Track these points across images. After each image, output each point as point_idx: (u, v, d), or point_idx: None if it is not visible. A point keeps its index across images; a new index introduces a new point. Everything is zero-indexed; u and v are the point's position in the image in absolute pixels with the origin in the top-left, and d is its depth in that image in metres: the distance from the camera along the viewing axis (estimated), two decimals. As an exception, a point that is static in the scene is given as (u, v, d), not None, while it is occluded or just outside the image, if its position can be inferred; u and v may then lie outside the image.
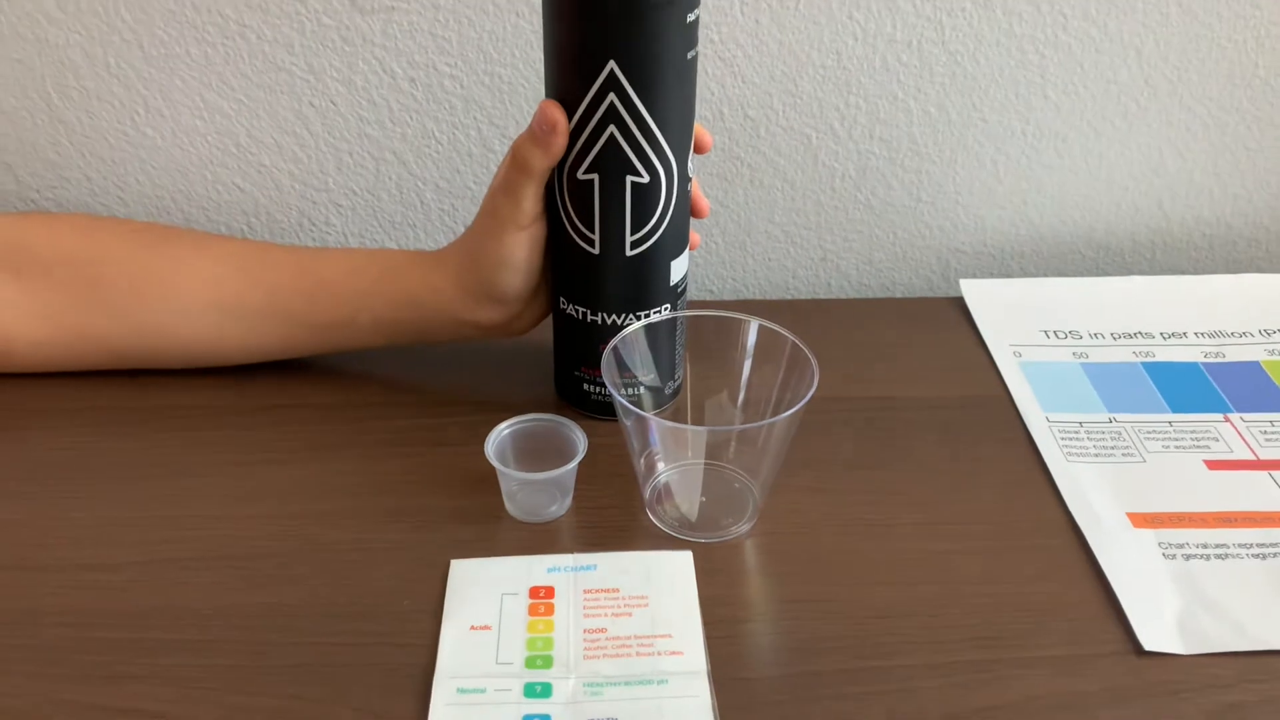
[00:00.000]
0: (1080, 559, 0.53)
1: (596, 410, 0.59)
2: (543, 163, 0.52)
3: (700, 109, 0.70)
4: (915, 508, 0.55)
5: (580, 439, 0.53)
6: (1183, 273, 0.77)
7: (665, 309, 0.57)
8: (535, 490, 0.53)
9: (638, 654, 0.47)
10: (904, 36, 0.68)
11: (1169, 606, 0.50)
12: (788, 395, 0.52)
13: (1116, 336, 0.69)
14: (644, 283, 0.56)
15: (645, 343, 0.55)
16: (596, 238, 0.53)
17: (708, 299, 0.77)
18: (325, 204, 0.72)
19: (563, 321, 0.58)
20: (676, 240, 0.55)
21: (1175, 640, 0.48)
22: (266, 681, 0.45)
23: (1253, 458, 0.59)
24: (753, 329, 0.54)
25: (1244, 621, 0.49)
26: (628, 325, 0.55)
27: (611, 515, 0.54)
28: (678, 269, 0.56)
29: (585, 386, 0.59)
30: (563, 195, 0.54)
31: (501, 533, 0.53)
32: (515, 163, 0.52)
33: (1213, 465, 0.59)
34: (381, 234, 0.73)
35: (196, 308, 0.58)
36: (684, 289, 0.58)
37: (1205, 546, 0.53)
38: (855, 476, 0.57)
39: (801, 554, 0.52)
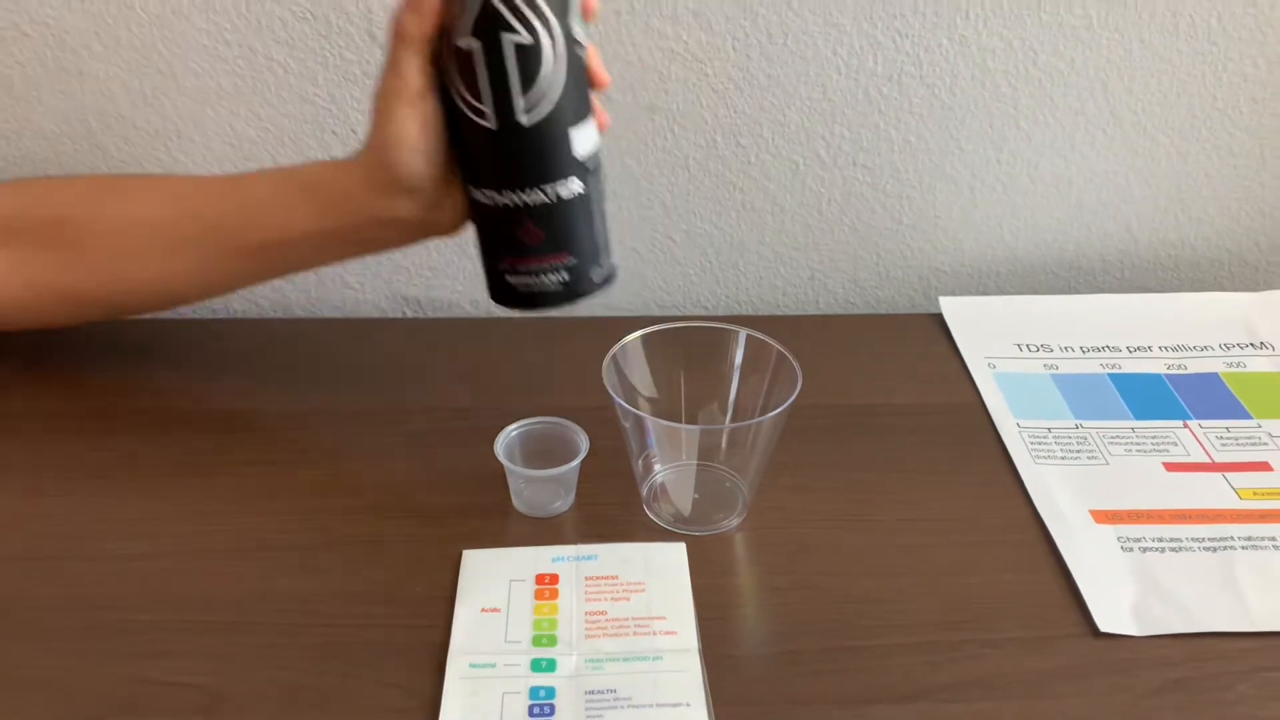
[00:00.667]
0: (1045, 552, 0.57)
1: (527, 304, 0.56)
2: (418, 27, 0.50)
3: (694, 137, 0.75)
4: (893, 505, 0.60)
5: (583, 440, 0.58)
6: (1149, 291, 0.81)
7: (573, 182, 0.54)
8: (541, 487, 0.58)
9: (635, 633, 0.51)
10: (885, 71, 0.73)
11: (1125, 593, 0.54)
12: (773, 401, 0.56)
13: (1085, 350, 0.74)
14: (546, 154, 0.53)
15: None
16: (489, 109, 0.51)
17: (702, 314, 0.81)
18: (344, 225, 0.77)
19: (478, 214, 0.56)
20: (575, 106, 0.53)
21: (1129, 623, 0.52)
22: (297, 658, 0.49)
23: (1208, 460, 0.64)
24: (741, 339, 0.59)
25: (1192, 607, 0.53)
26: (535, 199, 0.53)
27: (611, 510, 0.58)
28: (582, 139, 0.54)
29: (509, 279, 0.56)
30: (450, 71, 0.52)
31: (510, 526, 0.57)
32: (394, 33, 0.51)
33: (1171, 467, 0.63)
34: (399, 256, 0.77)
35: (143, 249, 0.59)
36: (596, 166, 0.55)
37: (1161, 540, 0.58)
38: (837, 477, 0.62)
39: (786, 546, 0.57)
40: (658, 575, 0.54)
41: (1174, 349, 0.74)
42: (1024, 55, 0.73)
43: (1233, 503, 0.60)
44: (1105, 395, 0.69)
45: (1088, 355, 0.73)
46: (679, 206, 0.77)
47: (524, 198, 0.53)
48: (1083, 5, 0.72)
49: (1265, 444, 0.65)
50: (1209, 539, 0.58)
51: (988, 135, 0.76)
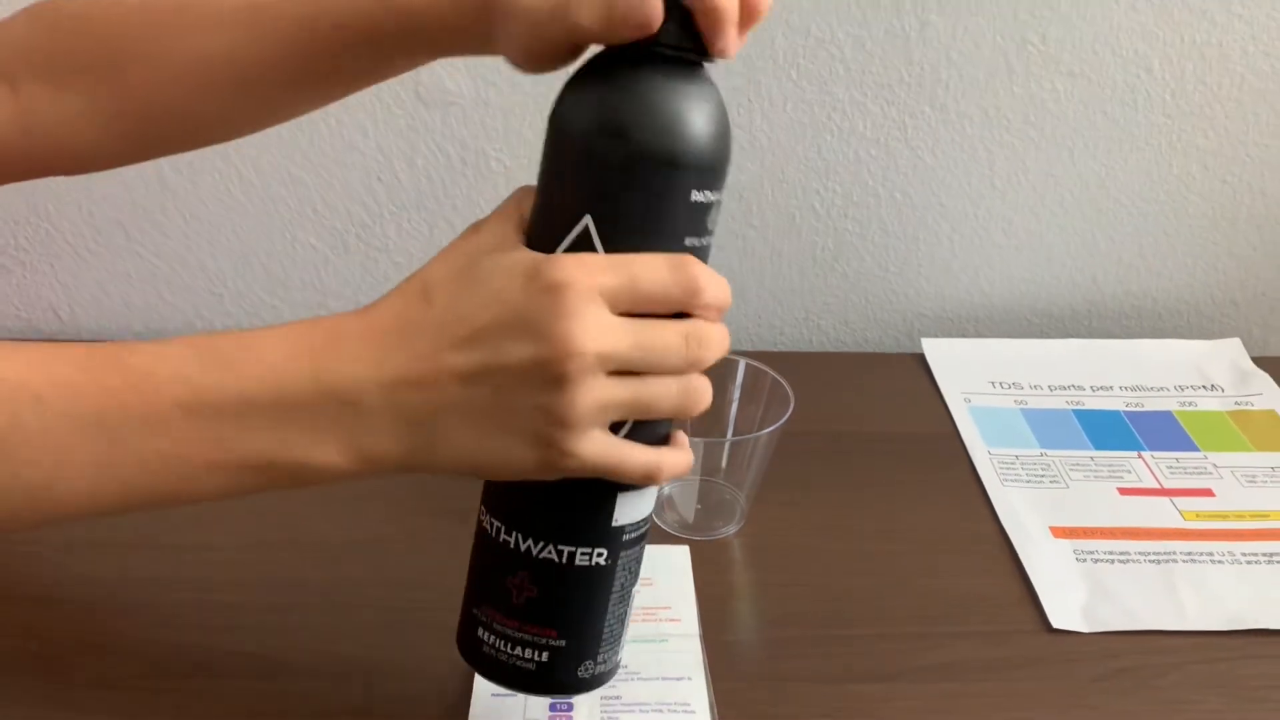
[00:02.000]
0: (1007, 561, 0.64)
1: (487, 671, 0.45)
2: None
3: (703, 190, 0.83)
4: (874, 518, 0.67)
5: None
6: (1112, 336, 0.89)
7: (598, 554, 0.42)
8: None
9: (644, 620, 0.58)
10: (874, 135, 0.82)
11: (1076, 596, 0.61)
12: (769, 421, 0.63)
13: (1053, 388, 0.81)
14: (575, 509, 0.42)
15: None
16: None
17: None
18: (385, 263, 0.85)
19: (477, 538, 0.46)
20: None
21: (1079, 621, 0.60)
22: (348, 634, 0.56)
23: (1158, 486, 0.71)
24: (740, 367, 0.67)
25: (1135, 609, 0.60)
26: (541, 553, 0.42)
27: (624, 516, 0.66)
28: (629, 507, 0.42)
29: (480, 632, 0.45)
30: None
31: (534, 528, 0.65)
32: None
33: (1124, 491, 0.71)
34: (431, 288, 0.86)
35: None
36: (637, 539, 0.44)
37: (1111, 553, 0.65)
38: (826, 493, 0.69)
39: (778, 551, 0.64)
40: (664, 573, 0.61)
41: (1133, 389, 0.81)
42: (998, 123, 0.82)
43: (1178, 523, 0.68)
44: (1069, 428, 0.77)
45: (1054, 393, 0.81)
46: (687, 251, 0.85)
47: (527, 546, 0.42)
48: (1051, 80, 0.81)
49: (1210, 473, 0.72)
50: (1154, 553, 0.65)
51: (966, 193, 0.84)
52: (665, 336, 0.38)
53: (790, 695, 0.54)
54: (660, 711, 0.52)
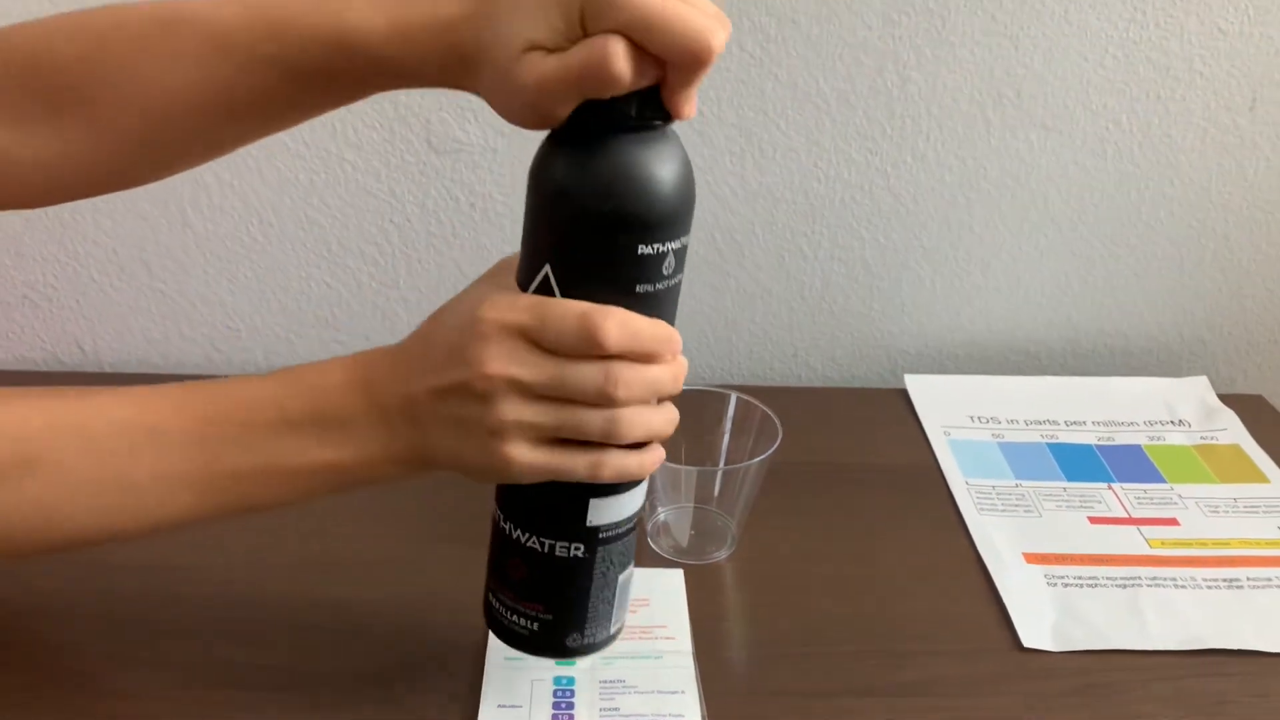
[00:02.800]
0: (982, 584, 0.68)
1: (498, 632, 0.53)
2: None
3: (697, 234, 0.88)
4: (857, 544, 0.71)
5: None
6: (1086, 374, 0.93)
7: (575, 548, 0.48)
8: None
9: (640, 638, 0.62)
10: (858, 181, 0.87)
11: (1046, 617, 0.65)
12: (758, 451, 0.67)
13: (1028, 422, 0.86)
14: (552, 509, 0.48)
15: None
16: None
17: (699, 385, 0.93)
18: (396, 300, 0.89)
19: (492, 521, 0.52)
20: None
21: (1049, 640, 0.63)
22: (361, 648, 0.60)
23: (1126, 516, 0.75)
24: (732, 401, 0.71)
25: (1102, 629, 0.64)
26: (528, 542, 0.49)
27: (622, 541, 0.70)
28: (603, 510, 0.48)
29: (490, 598, 0.53)
30: None
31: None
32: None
33: (1094, 520, 0.75)
34: (438, 324, 0.90)
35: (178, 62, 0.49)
36: (618, 536, 0.49)
37: (1080, 578, 0.69)
38: (812, 521, 0.73)
39: (767, 574, 0.68)
40: (659, 594, 0.65)
41: (1104, 424, 0.86)
42: (976, 171, 0.87)
43: (1144, 550, 0.72)
44: (1043, 460, 0.81)
45: (1030, 427, 0.85)
46: (682, 293, 0.90)
47: (518, 534, 0.49)
48: (1025, 132, 0.86)
49: (1176, 504, 0.76)
50: (1121, 578, 0.69)
51: (946, 237, 0.89)
52: (580, 369, 0.44)
53: (776, 708, 0.58)
54: (656, 722, 0.56)
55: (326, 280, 0.88)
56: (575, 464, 0.46)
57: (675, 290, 0.46)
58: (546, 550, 0.49)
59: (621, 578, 0.51)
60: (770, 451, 0.66)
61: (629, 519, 0.50)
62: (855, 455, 0.81)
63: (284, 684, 0.58)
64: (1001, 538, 0.72)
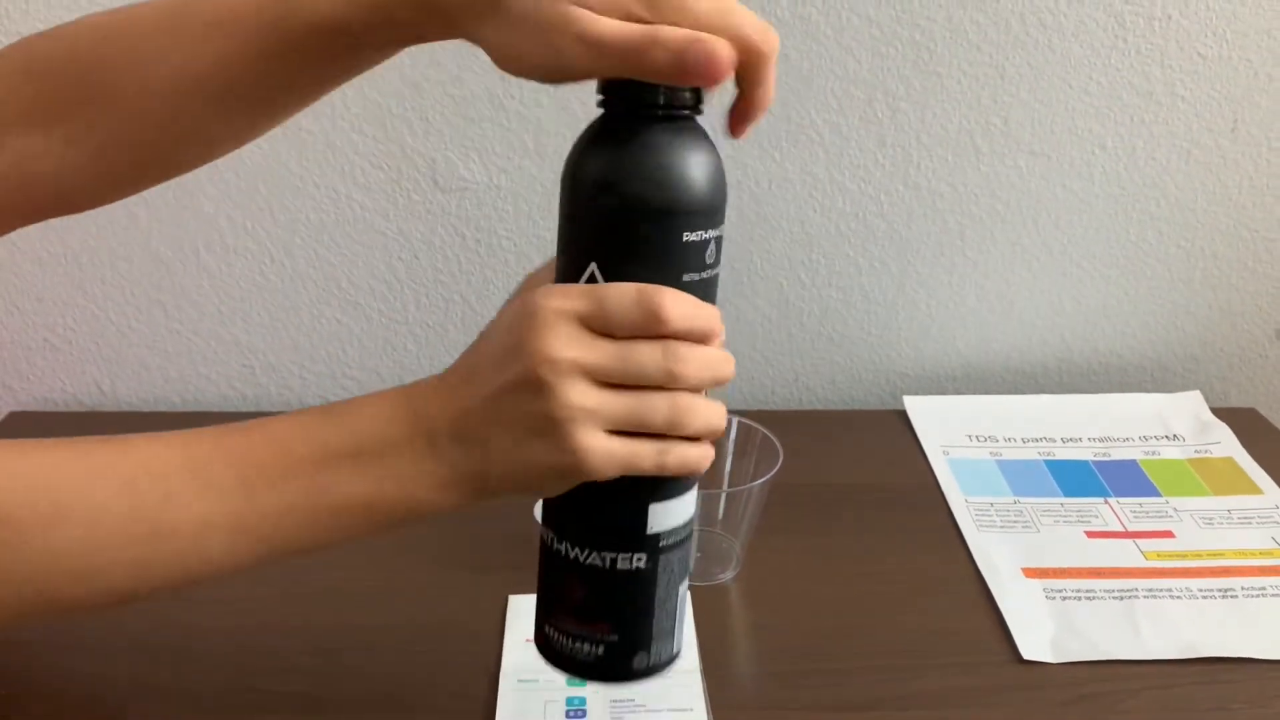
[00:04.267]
0: (982, 600, 0.70)
1: (558, 664, 0.50)
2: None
3: (697, 263, 0.90)
4: (859, 563, 0.73)
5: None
6: (1081, 391, 0.95)
7: (637, 558, 0.47)
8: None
9: (650, 657, 0.63)
10: (852, 210, 0.89)
11: (1045, 630, 0.67)
12: (760, 474, 0.69)
13: (1025, 440, 0.87)
14: (611, 519, 0.47)
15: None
16: None
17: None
18: (404, 334, 0.92)
19: (540, 547, 0.50)
20: (662, 482, 0.46)
21: (1048, 652, 0.65)
22: (378, 673, 0.62)
23: (1123, 529, 0.77)
24: (733, 425, 0.73)
25: (1099, 641, 0.66)
26: (588, 559, 0.47)
27: (629, 564, 0.71)
28: (664, 515, 0.47)
29: (548, 629, 0.49)
30: None
31: (547, 576, 0.70)
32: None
33: (1091, 534, 0.76)
34: (449, 358, 0.91)
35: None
36: (679, 541, 0.48)
37: (1079, 591, 0.70)
38: (814, 541, 0.75)
39: (771, 593, 0.70)
40: (667, 615, 0.67)
41: (1100, 440, 0.87)
42: (967, 198, 0.89)
43: (1140, 562, 0.73)
44: (1040, 477, 0.83)
45: (1027, 444, 0.87)
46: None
47: (575, 553, 0.47)
48: (1014, 158, 0.88)
49: (1171, 516, 0.78)
50: (1118, 590, 0.70)
51: (939, 262, 0.91)
52: (641, 349, 0.43)
53: (783, 722, 0.60)
54: (665, 738, 0.58)
55: (337, 317, 0.91)
56: (644, 452, 0.44)
57: (715, 282, 0.47)
58: (608, 565, 0.47)
59: (682, 589, 0.50)
60: (772, 473, 0.67)
61: (686, 524, 0.49)
62: (856, 476, 0.82)
63: (307, 707, 0.60)
64: (1001, 553, 0.74)
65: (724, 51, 0.41)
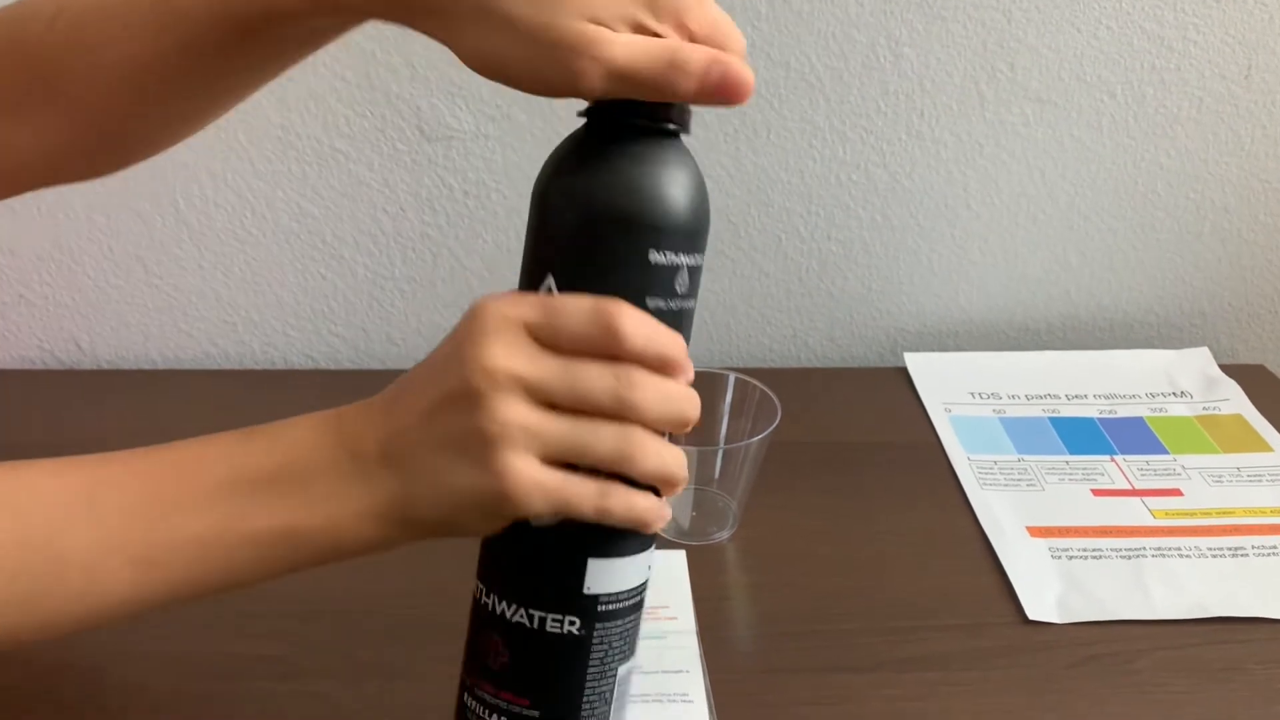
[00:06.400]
0: (986, 559, 0.68)
1: None
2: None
3: (693, 215, 0.87)
4: (859, 522, 0.71)
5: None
6: (1086, 348, 0.93)
7: (569, 621, 0.41)
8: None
9: (644, 619, 0.61)
10: (853, 160, 0.86)
11: (1051, 590, 0.65)
12: (758, 431, 0.67)
13: (1029, 397, 0.85)
14: (543, 572, 0.41)
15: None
16: None
17: (699, 368, 0.93)
18: (392, 290, 0.89)
19: (473, 599, 0.45)
20: (605, 535, 0.41)
21: (1054, 612, 0.63)
22: (362, 639, 0.60)
23: (1129, 488, 0.75)
24: (730, 382, 0.71)
25: (1105, 600, 0.64)
26: (513, 616, 0.42)
27: (623, 524, 0.69)
28: (603, 574, 0.42)
29: (465, 696, 0.45)
30: None
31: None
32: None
33: (1097, 493, 0.74)
34: (437, 315, 0.90)
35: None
36: (620, 611, 0.43)
37: (1085, 550, 0.69)
38: (813, 500, 0.73)
39: (768, 554, 0.68)
40: (662, 575, 0.65)
41: (1106, 397, 0.85)
42: (971, 147, 0.86)
43: (1148, 521, 0.71)
44: (1045, 435, 0.81)
45: (1031, 402, 0.85)
46: (679, 274, 0.90)
47: (502, 608, 0.42)
48: (1020, 107, 0.85)
49: (1179, 474, 0.76)
50: (1125, 549, 0.69)
51: (942, 214, 0.89)
52: (590, 369, 0.39)
53: (781, 685, 0.58)
54: (660, 701, 0.56)
55: (322, 272, 0.88)
56: (582, 492, 0.39)
57: (687, 318, 0.43)
58: (535, 625, 0.41)
59: (621, 671, 0.43)
60: (770, 430, 0.65)
61: (633, 591, 0.43)
62: (856, 434, 0.80)
63: (282, 674, 0.58)
64: (1005, 512, 0.72)
65: (744, 73, 0.40)
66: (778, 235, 0.89)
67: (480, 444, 0.38)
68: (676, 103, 0.41)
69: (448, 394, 0.39)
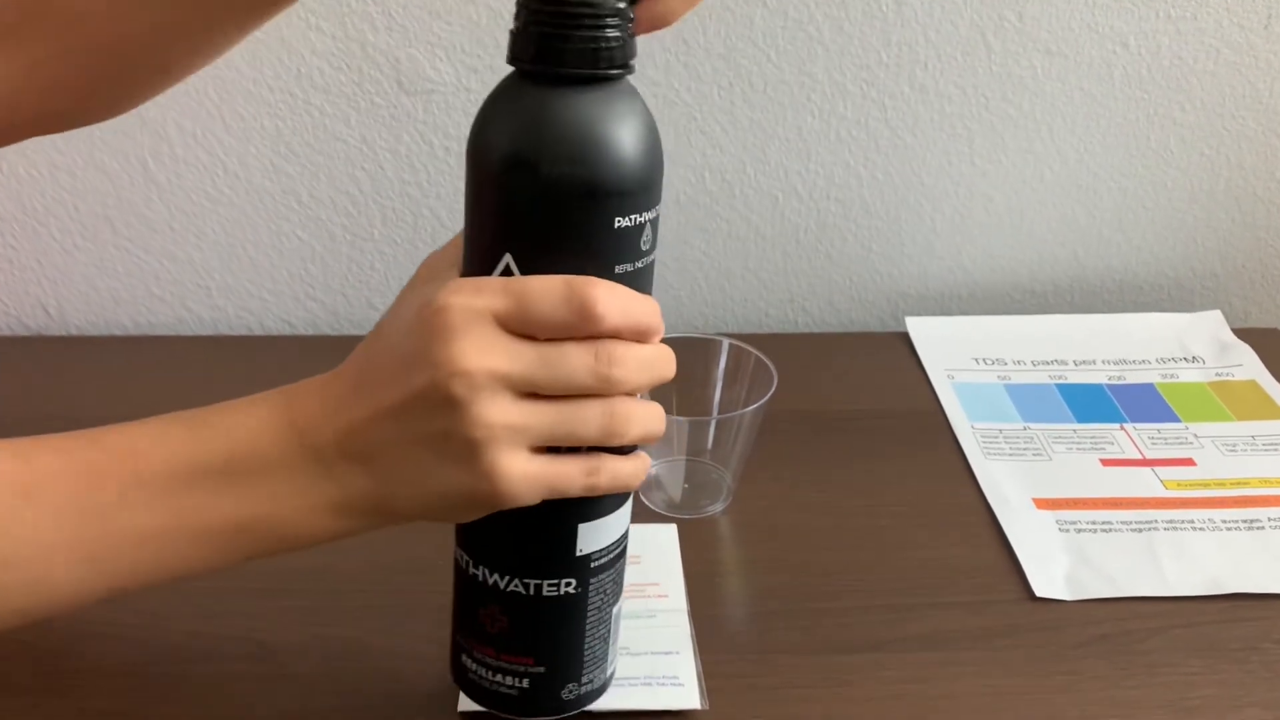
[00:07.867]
0: (991, 533, 0.65)
1: (477, 697, 0.46)
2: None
3: (685, 174, 0.84)
4: (858, 494, 0.68)
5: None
6: (1094, 311, 0.89)
7: (565, 583, 0.42)
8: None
9: (632, 596, 0.58)
10: (854, 115, 0.83)
11: (1059, 565, 0.62)
12: (753, 399, 0.64)
13: (1035, 363, 0.82)
14: (535, 542, 0.42)
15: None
16: None
17: (689, 333, 0.90)
18: (371, 252, 0.85)
19: (455, 569, 0.45)
20: (589, 503, 0.41)
21: (1062, 589, 0.60)
22: (338, 617, 0.57)
23: (1140, 457, 0.72)
24: (724, 348, 0.67)
25: (1115, 576, 0.61)
26: (507, 585, 0.42)
27: (611, 497, 0.66)
28: (594, 536, 0.42)
29: (464, 659, 0.46)
30: None
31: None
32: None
33: (1107, 463, 0.71)
34: (417, 277, 0.86)
35: None
36: (610, 562, 0.43)
37: (1094, 523, 0.66)
38: (810, 471, 0.70)
39: (763, 528, 0.65)
40: (652, 551, 0.62)
41: (1115, 362, 0.82)
42: (977, 101, 0.83)
43: (1159, 492, 0.68)
44: (1051, 402, 0.78)
45: (1037, 368, 0.82)
46: (671, 236, 0.86)
47: (495, 580, 0.42)
48: (1028, 58, 0.81)
49: (1191, 443, 0.73)
50: (1136, 522, 0.66)
51: (946, 172, 0.85)
52: (570, 352, 0.37)
53: (776, 667, 0.55)
54: (649, 685, 0.53)
55: (297, 233, 0.84)
56: (570, 472, 0.39)
57: (651, 270, 0.41)
58: (533, 592, 0.42)
59: (615, 610, 0.45)
60: (765, 399, 0.62)
61: (618, 542, 0.44)
62: (855, 402, 0.77)
63: (253, 654, 0.55)
64: (1010, 483, 0.69)
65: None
66: (774, 194, 0.85)
67: (465, 447, 0.37)
68: (617, 39, 0.37)
69: (418, 394, 0.37)
